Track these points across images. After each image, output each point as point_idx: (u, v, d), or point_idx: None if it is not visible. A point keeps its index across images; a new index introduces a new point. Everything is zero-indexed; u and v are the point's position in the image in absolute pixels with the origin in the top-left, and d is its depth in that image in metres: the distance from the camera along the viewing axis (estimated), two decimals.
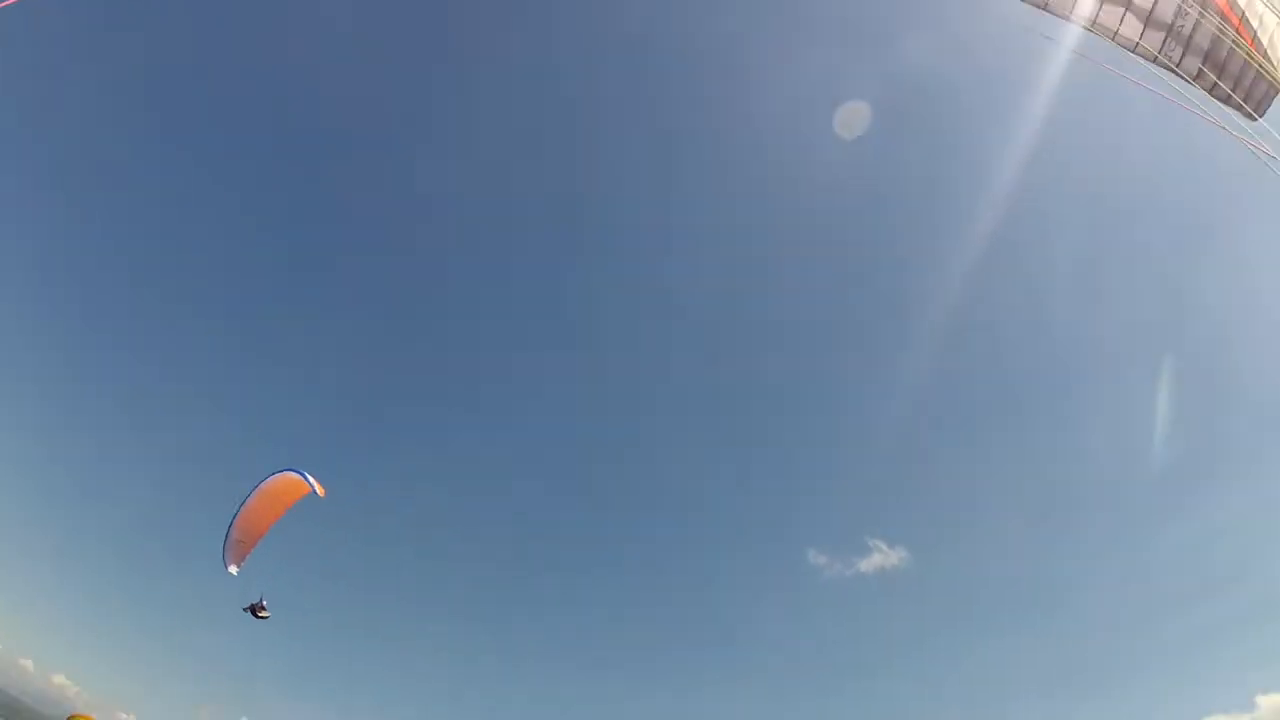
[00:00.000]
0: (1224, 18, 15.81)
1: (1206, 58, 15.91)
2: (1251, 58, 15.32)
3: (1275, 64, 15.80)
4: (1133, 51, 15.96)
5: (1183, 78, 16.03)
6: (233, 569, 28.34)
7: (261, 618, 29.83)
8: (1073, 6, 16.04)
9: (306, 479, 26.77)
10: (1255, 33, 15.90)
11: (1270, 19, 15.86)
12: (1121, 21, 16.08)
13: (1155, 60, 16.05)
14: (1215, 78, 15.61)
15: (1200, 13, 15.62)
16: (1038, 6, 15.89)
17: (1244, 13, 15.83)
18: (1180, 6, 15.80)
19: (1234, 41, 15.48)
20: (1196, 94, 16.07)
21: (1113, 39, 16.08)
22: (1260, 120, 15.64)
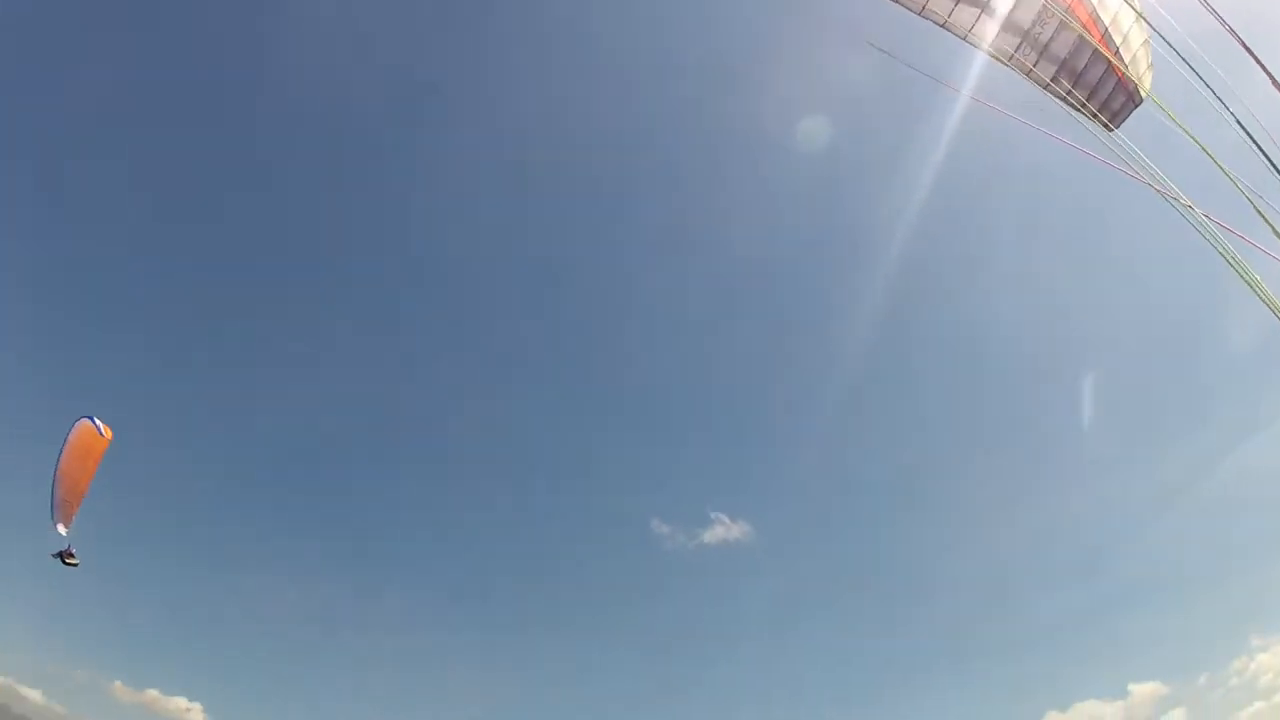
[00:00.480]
0: (1085, 29, 14.88)
1: (1062, 66, 14.79)
2: (1112, 66, 14.24)
3: (1135, 78, 14.71)
4: (984, 51, 14.86)
5: (1037, 85, 14.87)
6: (61, 528, 29.43)
7: (70, 564, 30.92)
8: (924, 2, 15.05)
9: (95, 424, 27.75)
10: (1117, 47, 14.93)
11: (1132, 34, 14.92)
12: (976, 21, 15.05)
13: (1009, 62, 14.92)
14: (1070, 86, 14.42)
15: (1061, 21, 14.67)
16: None
17: (1106, 27, 14.90)
18: (1040, 14, 14.88)
19: (1093, 51, 14.46)
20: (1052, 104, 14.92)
21: (964, 37, 14.99)
22: (1116, 132, 14.38)
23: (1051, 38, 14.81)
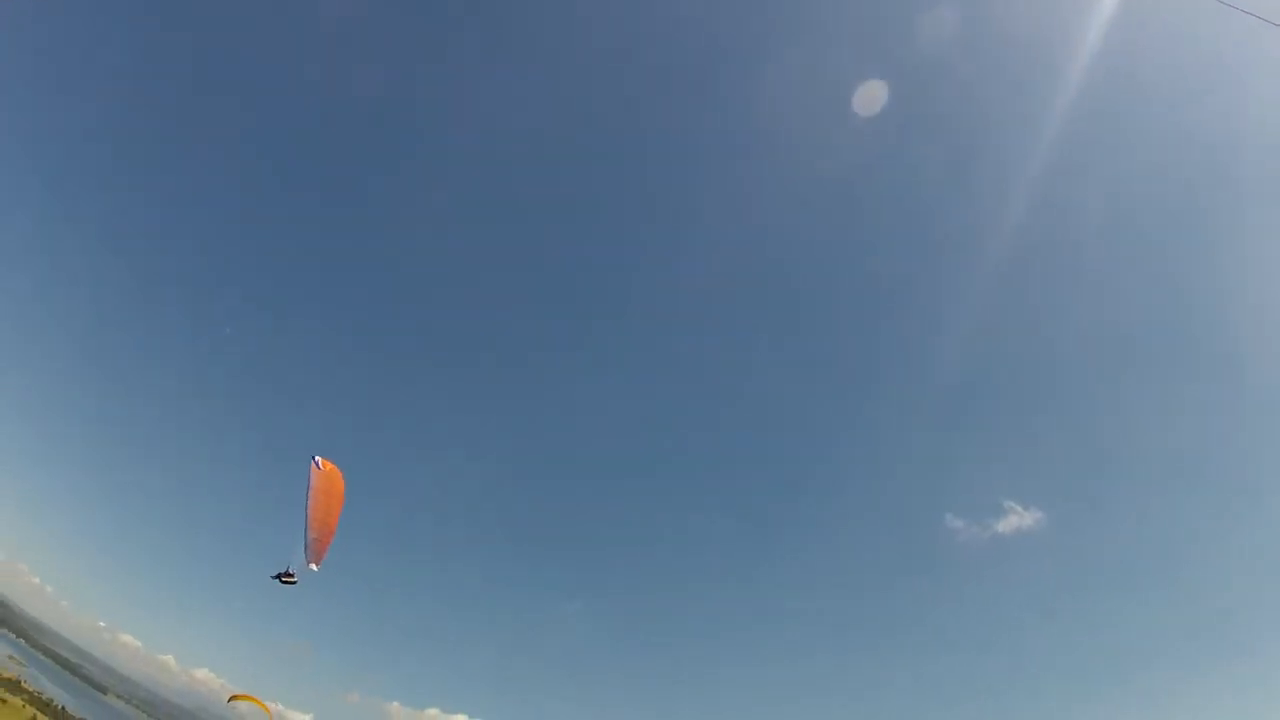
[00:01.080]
0: None
1: None
2: None
3: None
4: None
5: None
6: (313, 566, 32.80)
7: (288, 583, 34.08)
8: None
9: (317, 464, 31.71)
10: None
11: None
12: None
13: None
14: None
15: None
16: None
17: None
18: None
19: None
20: None
21: None
22: None
23: None
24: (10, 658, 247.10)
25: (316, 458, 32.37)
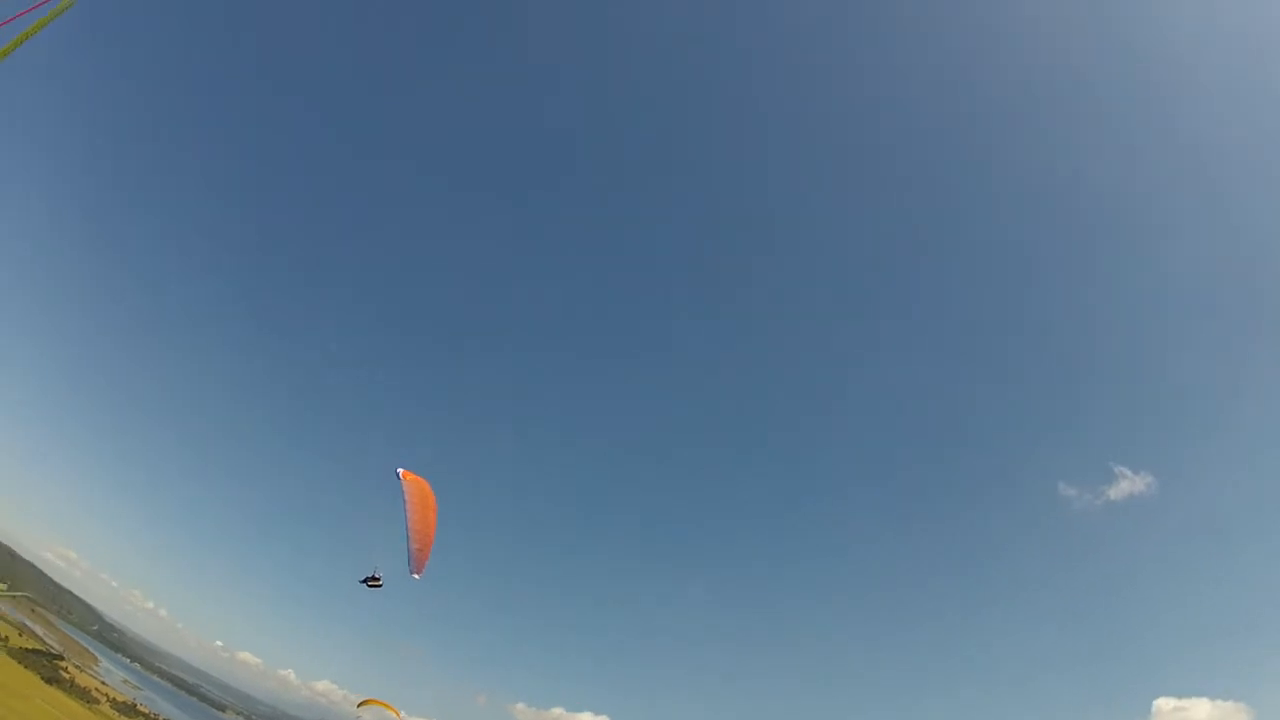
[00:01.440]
0: None
1: None
2: None
3: None
4: None
5: None
6: (416, 576, 34.25)
7: (375, 586, 36.88)
8: None
9: (401, 477, 33.04)
10: None
11: None
12: None
13: None
14: None
15: None
16: None
17: None
18: None
19: None
20: None
21: None
22: None
23: None
24: (125, 681, 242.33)
25: (400, 470, 33.83)
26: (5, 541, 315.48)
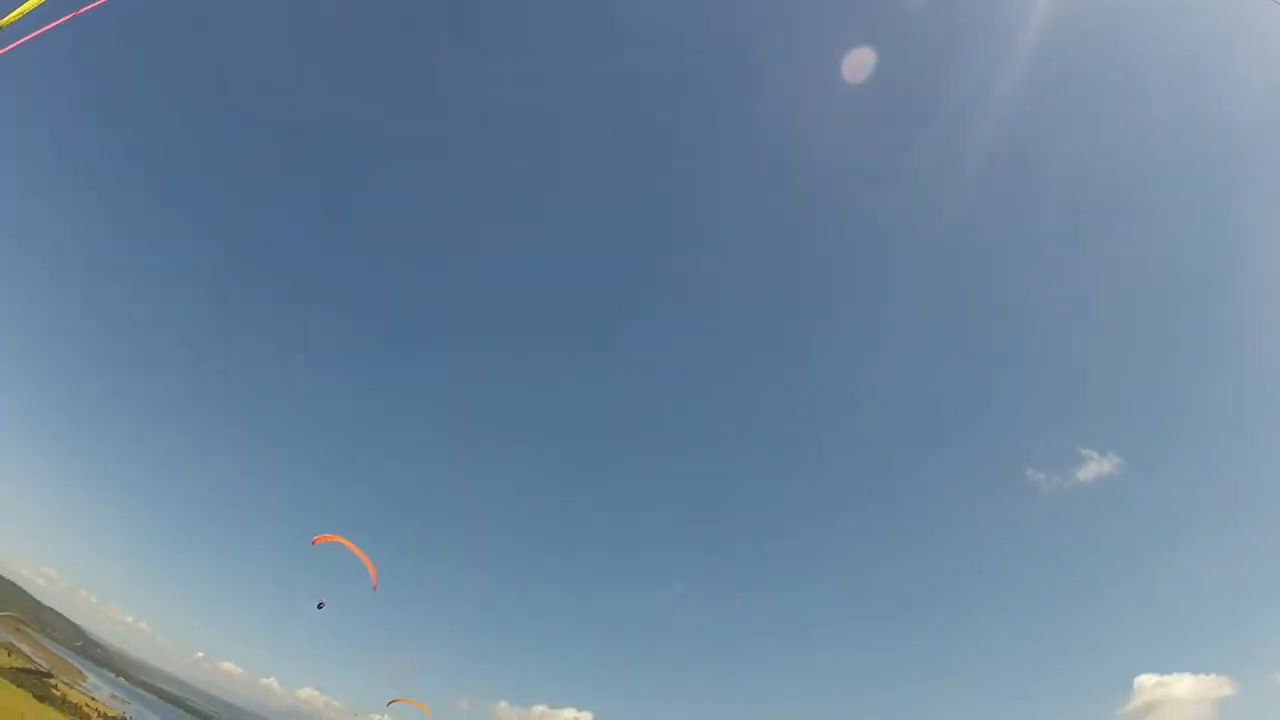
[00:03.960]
0: None
1: None
2: None
3: None
4: None
5: None
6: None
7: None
8: None
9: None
10: None
11: None
12: None
13: None
14: None
15: None
16: None
17: None
18: None
19: None
20: None
21: None
22: None
23: None
24: (113, 696, 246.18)
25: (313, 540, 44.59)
26: None
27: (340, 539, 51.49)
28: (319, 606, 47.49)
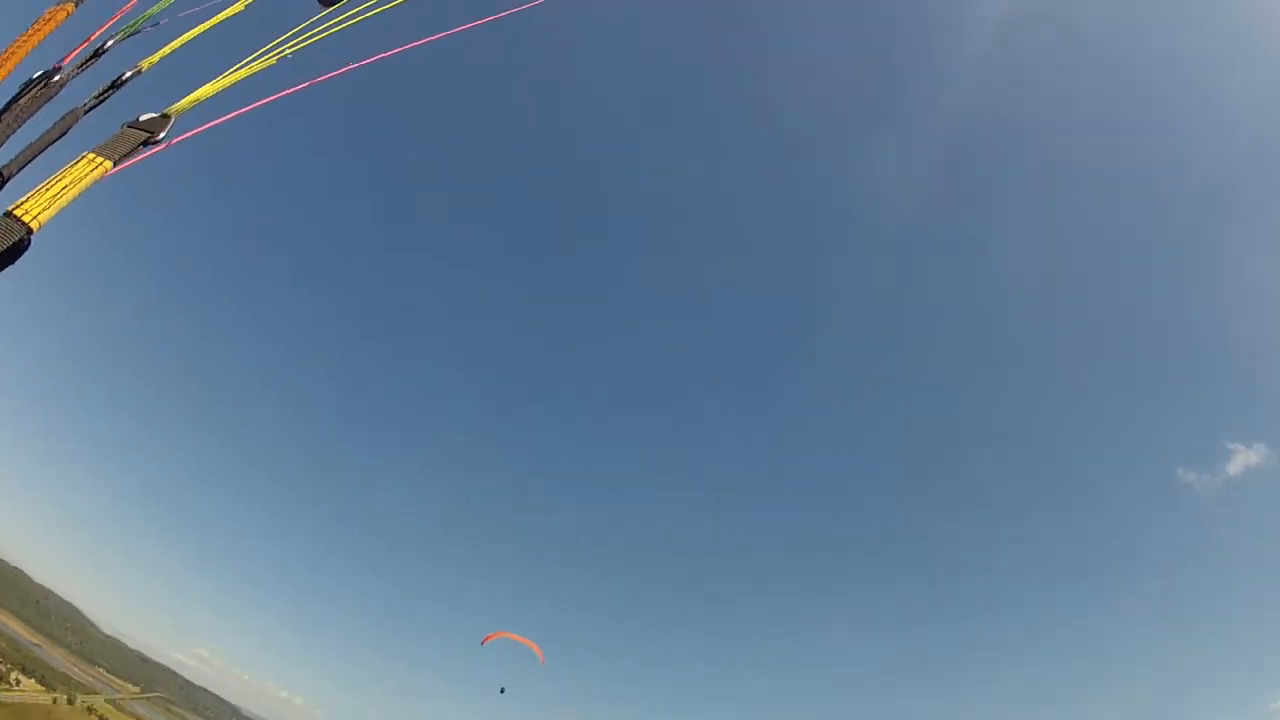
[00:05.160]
0: None
1: None
2: None
3: None
4: None
5: None
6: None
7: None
8: None
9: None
10: None
11: None
12: None
13: None
14: None
15: None
16: None
17: None
18: None
19: None
20: None
21: None
22: None
23: None
24: None
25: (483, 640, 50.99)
26: (135, 647, 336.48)
27: (507, 634, 54.95)
28: (501, 691, 52.80)
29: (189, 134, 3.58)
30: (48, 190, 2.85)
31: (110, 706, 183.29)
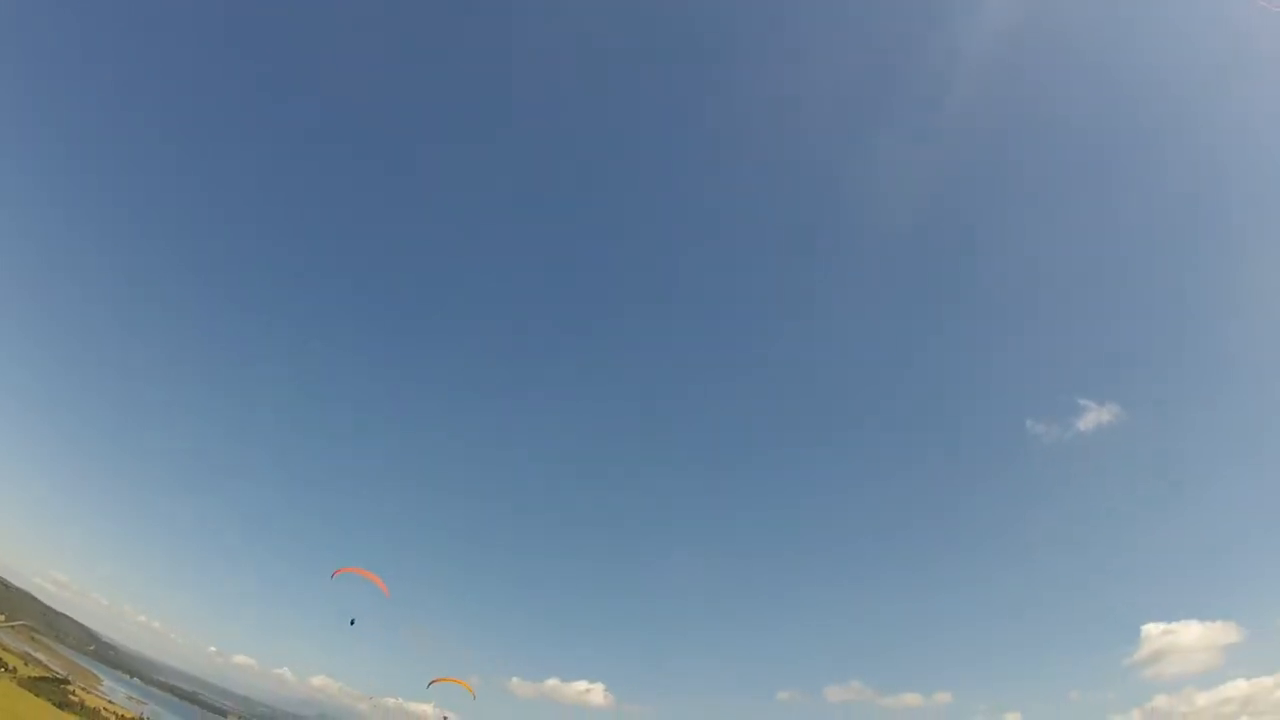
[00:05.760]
0: None
1: None
2: None
3: None
4: None
5: None
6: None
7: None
8: None
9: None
10: None
11: None
12: None
13: None
14: None
15: None
16: None
17: None
18: None
19: None
20: None
21: None
22: None
23: None
24: (129, 698, 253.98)
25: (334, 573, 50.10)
26: None
27: (356, 570, 58.32)
28: (351, 623, 54.75)
29: None
30: None
31: None
